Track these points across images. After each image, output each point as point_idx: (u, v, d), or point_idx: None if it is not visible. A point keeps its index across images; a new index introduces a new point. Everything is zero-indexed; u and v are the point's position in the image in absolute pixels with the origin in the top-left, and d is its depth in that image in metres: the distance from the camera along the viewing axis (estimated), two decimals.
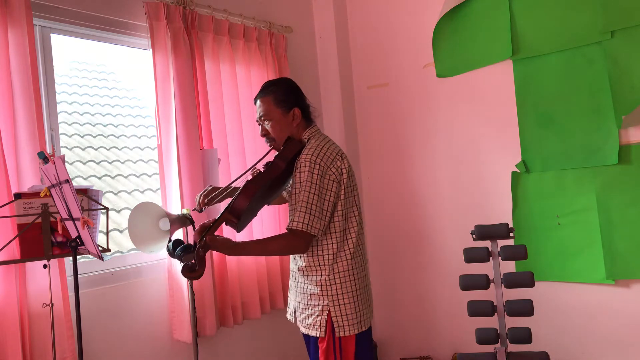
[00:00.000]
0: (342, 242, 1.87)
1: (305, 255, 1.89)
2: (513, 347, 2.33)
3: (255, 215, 1.99)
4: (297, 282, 1.96)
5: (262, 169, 1.87)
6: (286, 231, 1.82)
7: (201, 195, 1.97)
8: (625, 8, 2.51)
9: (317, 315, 1.86)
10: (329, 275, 1.85)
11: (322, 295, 1.85)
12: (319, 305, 1.86)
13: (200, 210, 1.97)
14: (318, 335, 1.86)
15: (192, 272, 1.70)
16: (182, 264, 1.71)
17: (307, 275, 1.89)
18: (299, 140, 1.95)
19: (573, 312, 2.75)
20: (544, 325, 2.80)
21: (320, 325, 1.84)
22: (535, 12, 2.78)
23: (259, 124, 1.99)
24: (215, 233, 1.80)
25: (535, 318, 2.37)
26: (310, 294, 1.89)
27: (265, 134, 1.97)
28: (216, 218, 1.79)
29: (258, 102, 1.96)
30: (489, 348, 2.33)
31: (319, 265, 1.86)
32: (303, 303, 1.92)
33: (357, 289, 1.87)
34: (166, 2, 2.53)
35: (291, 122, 1.94)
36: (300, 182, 1.81)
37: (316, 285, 1.86)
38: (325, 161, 1.83)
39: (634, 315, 2.57)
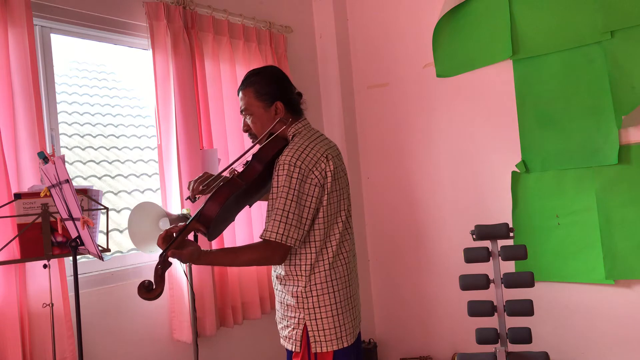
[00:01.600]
0: (320, 251, 1.70)
1: (283, 264, 1.74)
2: (513, 347, 2.33)
3: (232, 221, 1.82)
4: (277, 289, 1.81)
5: (240, 169, 1.69)
6: (260, 240, 1.66)
7: (195, 181, 1.76)
8: (625, 8, 2.51)
9: (293, 329, 1.72)
10: (305, 287, 1.69)
11: (298, 308, 1.71)
12: (294, 317, 1.72)
13: (194, 200, 1.76)
14: (293, 350, 1.72)
15: (149, 292, 1.51)
16: (139, 283, 1.53)
17: (285, 285, 1.74)
18: (283, 137, 1.76)
19: (573, 312, 2.75)
20: (544, 325, 2.80)
21: (295, 340, 1.70)
22: (535, 12, 2.78)
23: (243, 117, 1.83)
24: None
25: (535, 318, 2.37)
26: (287, 305, 1.75)
27: (247, 129, 1.82)
28: (181, 229, 1.59)
29: (240, 94, 1.81)
30: (489, 348, 2.33)
31: (296, 276, 1.71)
32: (280, 312, 1.79)
33: (336, 302, 1.71)
34: (166, 2, 2.53)
35: (273, 117, 1.76)
36: (277, 187, 1.64)
37: (292, 297, 1.72)
38: (307, 164, 1.65)
39: (633, 316, 2.57)
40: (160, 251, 1.79)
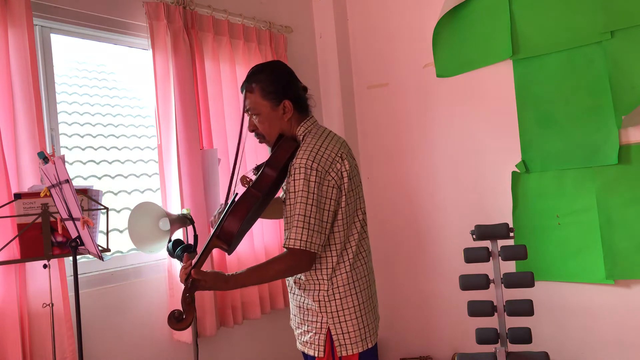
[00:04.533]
0: (341, 253, 1.66)
1: None
2: (513, 347, 2.33)
3: (246, 232, 1.77)
4: (293, 293, 1.75)
5: (252, 176, 1.65)
6: (284, 250, 1.61)
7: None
8: (625, 8, 2.51)
9: (315, 333, 1.66)
10: (327, 290, 1.64)
11: (320, 312, 1.65)
12: (317, 322, 1.66)
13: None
14: (316, 355, 1.66)
15: (179, 322, 1.48)
16: (168, 314, 1.50)
17: (305, 289, 1.69)
18: (293, 138, 1.70)
19: (573, 312, 2.75)
20: (544, 325, 2.80)
21: (318, 344, 1.65)
22: (535, 12, 2.78)
23: (248, 116, 1.73)
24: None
25: (535, 318, 2.37)
26: (307, 309, 1.69)
27: (253, 129, 1.73)
28: (202, 250, 1.55)
29: (245, 91, 1.71)
30: (489, 348, 2.33)
31: (317, 280, 1.66)
32: (299, 317, 1.73)
33: (359, 302, 1.66)
34: (166, 2, 2.53)
35: (282, 117, 1.68)
36: (295, 192, 1.58)
37: (314, 301, 1.66)
38: (323, 165, 1.59)
39: (633, 316, 2.57)
40: (162, 250, 1.78)
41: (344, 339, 1.64)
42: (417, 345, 3.37)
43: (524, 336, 2.24)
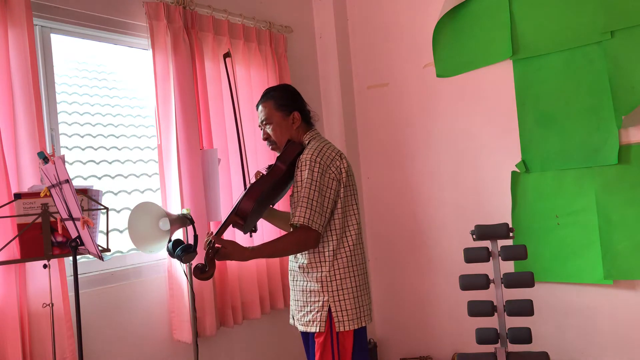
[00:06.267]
0: (341, 239, 1.92)
1: (306, 252, 1.93)
2: (513, 347, 2.33)
3: (260, 216, 2.07)
4: (296, 280, 1.99)
5: (264, 172, 1.95)
6: (291, 229, 1.89)
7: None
8: (625, 8, 2.51)
9: (317, 311, 1.89)
10: (329, 271, 1.89)
11: (323, 292, 1.90)
12: (319, 301, 1.90)
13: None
14: (317, 331, 1.89)
15: (203, 272, 1.76)
16: (193, 266, 1.76)
17: (308, 273, 1.93)
18: (299, 142, 2.01)
19: (573, 312, 2.75)
20: (544, 325, 2.80)
21: (320, 321, 1.88)
22: (535, 12, 2.78)
23: (261, 129, 2.06)
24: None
25: (535, 318, 2.37)
26: (310, 291, 1.93)
27: (266, 137, 2.05)
28: (222, 222, 1.85)
29: (260, 107, 2.04)
30: (489, 348, 2.33)
31: (320, 262, 1.91)
32: (302, 301, 1.96)
33: (356, 285, 1.92)
34: (166, 2, 2.53)
35: (291, 125, 2.01)
36: (301, 180, 1.87)
37: (316, 282, 1.91)
38: (325, 160, 1.90)
39: (633, 316, 2.57)
40: (162, 250, 1.91)
41: (342, 316, 1.88)
42: (417, 345, 3.37)
43: (524, 336, 2.25)
